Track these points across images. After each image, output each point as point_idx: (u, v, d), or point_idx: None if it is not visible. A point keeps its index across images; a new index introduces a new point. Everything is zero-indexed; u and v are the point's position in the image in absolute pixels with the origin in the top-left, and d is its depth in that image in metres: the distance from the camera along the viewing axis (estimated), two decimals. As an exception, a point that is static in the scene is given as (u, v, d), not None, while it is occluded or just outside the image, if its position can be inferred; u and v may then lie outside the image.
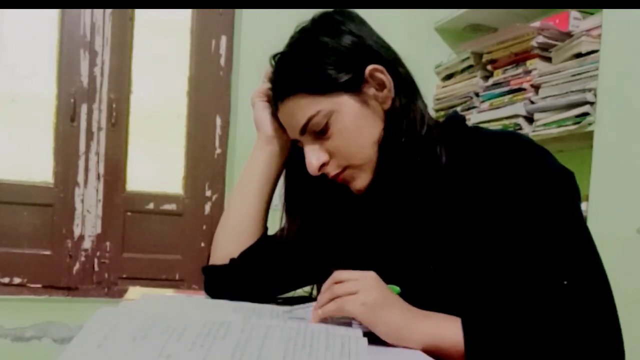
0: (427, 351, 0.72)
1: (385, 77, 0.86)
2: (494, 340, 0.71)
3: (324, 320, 0.75)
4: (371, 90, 0.86)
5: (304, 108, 0.85)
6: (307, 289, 1.02)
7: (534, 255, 0.76)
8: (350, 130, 0.85)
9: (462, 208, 0.82)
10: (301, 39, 0.88)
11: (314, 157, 0.87)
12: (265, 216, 1.01)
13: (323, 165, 0.87)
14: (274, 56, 0.90)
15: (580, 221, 0.79)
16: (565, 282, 0.73)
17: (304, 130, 0.86)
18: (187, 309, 0.83)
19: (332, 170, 0.87)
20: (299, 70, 0.85)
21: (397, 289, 0.80)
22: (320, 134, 0.86)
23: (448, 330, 0.73)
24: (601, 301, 0.74)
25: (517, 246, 0.77)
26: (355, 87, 0.85)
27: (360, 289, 0.74)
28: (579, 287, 0.73)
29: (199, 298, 0.99)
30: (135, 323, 0.63)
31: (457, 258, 0.81)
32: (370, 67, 0.85)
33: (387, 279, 0.78)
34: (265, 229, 1.01)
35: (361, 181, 0.88)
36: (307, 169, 0.87)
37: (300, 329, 0.68)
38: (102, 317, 0.64)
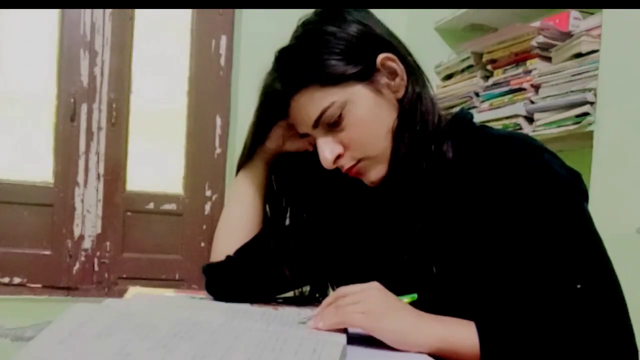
0: (438, 355, 0.71)
1: (397, 66, 0.85)
2: (510, 345, 0.70)
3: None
4: (383, 79, 0.85)
5: (317, 100, 0.83)
6: (306, 288, 1.02)
7: (545, 259, 0.75)
8: (365, 121, 0.84)
9: (468, 208, 0.81)
10: (307, 30, 0.87)
11: (328, 150, 0.84)
12: (263, 213, 1.00)
13: (337, 158, 0.85)
14: (280, 50, 0.88)
15: (588, 223, 0.79)
16: (578, 286, 0.72)
17: (317, 123, 0.84)
18: (172, 309, 0.81)
19: (346, 163, 0.85)
20: (309, 62, 0.83)
21: (414, 296, 0.78)
22: (334, 125, 0.83)
23: (462, 334, 0.71)
24: (614, 304, 0.74)
25: (528, 249, 0.76)
26: (367, 76, 0.84)
27: (362, 299, 0.73)
28: (592, 290, 0.73)
29: (196, 300, 0.98)
30: (105, 320, 0.62)
31: (465, 260, 0.81)
32: (382, 56, 0.84)
33: (394, 281, 0.77)
34: (263, 225, 1.00)
35: (376, 173, 0.86)
36: (321, 163, 0.85)
37: (275, 332, 0.66)
38: (73, 313, 0.63)
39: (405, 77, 0.86)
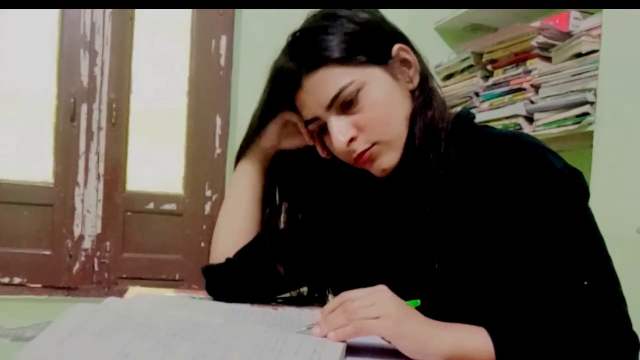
0: None
1: (411, 57, 0.86)
2: (525, 348, 0.70)
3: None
4: (399, 68, 0.85)
5: (335, 78, 0.82)
6: (304, 289, 1.02)
7: (547, 258, 0.75)
8: (383, 103, 0.83)
9: (470, 207, 0.81)
10: (324, 15, 0.86)
11: (342, 132, 0.82)
12: (261, 211, 1.00)
13: (351, 140, 0.83)
14: (294, 33, 0.87)
15: (590, 222, 0.79)
16: (585, 283, 0.73)
17: (333, 102, 0.82)
18: (172, 309, 0.81)
19: (359, 147, 0.83)
20: (329, 41, 0.82)
21: (418, 302, 0.76)
22: (349, 106, 0.82)
23: (474, 340, 0.70)
24: (615, 303, 0.74)
25: (530, 249, 0.76)
26: (384, 61, 0.84)
27: (376, 302, 0.70)
28: (593, 289, 0.73)
29: (196, 300, 0.98)
30: (105, 320, 0.62)
31: (467, 260, 0.80)
32: (397, 46, 0.85)
33: (395, 281, 0.76)
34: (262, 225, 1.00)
35: (388, 159, 0.84)
36: (334, 145, 0.84)
37: (275, 332, 0.66)
38: (73, 313, 0.63)
39: (418, 69, 0.87)
